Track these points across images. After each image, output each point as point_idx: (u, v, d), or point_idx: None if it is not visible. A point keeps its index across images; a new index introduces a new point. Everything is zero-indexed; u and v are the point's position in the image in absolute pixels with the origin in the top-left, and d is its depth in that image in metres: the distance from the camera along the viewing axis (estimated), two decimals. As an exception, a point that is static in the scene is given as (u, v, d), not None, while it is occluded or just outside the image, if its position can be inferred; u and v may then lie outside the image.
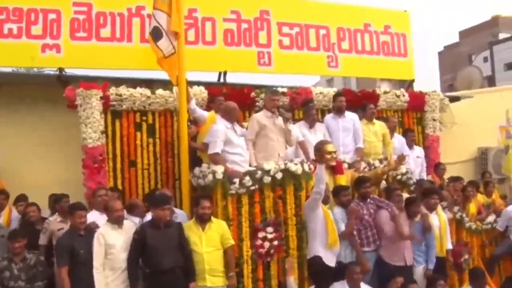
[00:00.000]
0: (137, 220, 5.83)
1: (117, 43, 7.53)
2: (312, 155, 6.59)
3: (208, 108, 6.95)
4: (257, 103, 7.51)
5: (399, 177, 7.16)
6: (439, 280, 6.03)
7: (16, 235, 5.58)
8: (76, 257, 5.18)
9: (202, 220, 5.44)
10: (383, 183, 7.00)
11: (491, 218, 7.86)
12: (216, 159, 5.88)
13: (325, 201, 5.98)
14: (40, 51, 7.21)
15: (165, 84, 6.93)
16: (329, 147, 6.35)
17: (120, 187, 6.82)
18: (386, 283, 6.00)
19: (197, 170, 6.03)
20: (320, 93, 8.08)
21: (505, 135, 9.50)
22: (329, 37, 8.85)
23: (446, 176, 8.47)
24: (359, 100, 8.17)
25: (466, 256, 7.12)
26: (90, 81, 6.90)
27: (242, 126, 6.47)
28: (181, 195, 6.42)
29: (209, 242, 5.40)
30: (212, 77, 8.22)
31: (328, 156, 6.21)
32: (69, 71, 7.48)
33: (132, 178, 6.96)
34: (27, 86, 7.47)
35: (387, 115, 8.50)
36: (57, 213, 6.26)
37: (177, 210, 6.06)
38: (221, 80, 8.12)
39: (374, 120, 7.73)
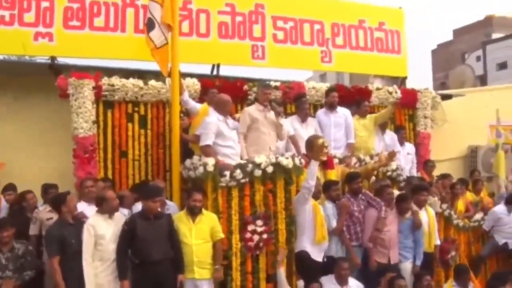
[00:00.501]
0: (125, 211, 5.82)
1: (111, 32, 7.47)
2: (303, 150, 6.62)
3: (201, 100, 6.96)
4: (249, 96, 7.51)
5: (389, 173, 7.19)
6: (425, 276, 6.08)
7: (4, 224, 5.55)
8: (67, 247, 5.16)
9: (193, 212, 5.45)
10: (373, 179, 7.04)
11: (478, 216, 7.95)
12: (207, 151, 5.88)
13: (316, 196, 6.01)
14: (33, 39, 7.14)
15: (158, 75, 6.90)
16: (321, 142, 6.37)
17: (110, 177, 6.80)
18: (372, 278, 6.05)
19: (188, 162, 6.04)
20: (313, 88, 8.10)
21: (495, 134, 9.56)
22: (323, 32, 8.84)
23: (436, 173, 8.53)
24: (351, 96, 8.20)
25: (453, 253, 7.21)
26: (82, 71, 6.88)
27: (234, 118, 6.48)
28: (171, 187, 6.42)
29: (198, 234, 5.41)
30: (205, 70, 8.22)
31: (321, 151, 6.23)
32: (62, 60, 7.42)
33: (123, 168, 6.95)
34: (19, 74, 7.41)
35: (379, 111, 8.52)
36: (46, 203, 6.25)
37: (169, 202, 6.07)
38: (214, 72, 8.11)
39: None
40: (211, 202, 5.75)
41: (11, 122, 7.50)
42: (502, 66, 28.64)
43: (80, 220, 5.40)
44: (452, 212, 7.44)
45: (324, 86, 8.19)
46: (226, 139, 6.02)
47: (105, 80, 6.87)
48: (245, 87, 7.57)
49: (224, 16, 8.17)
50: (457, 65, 21.69)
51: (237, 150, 6.11)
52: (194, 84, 7.28)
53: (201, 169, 5.72)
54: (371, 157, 7.22)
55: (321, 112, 7.61)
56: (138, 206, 5.70)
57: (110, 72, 7.12)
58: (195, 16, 8.00)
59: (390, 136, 8.12)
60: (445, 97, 9.90)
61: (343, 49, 8.96)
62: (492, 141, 9.86)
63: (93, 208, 5.53)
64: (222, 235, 5.54)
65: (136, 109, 7.06)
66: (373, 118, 7.75)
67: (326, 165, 6.51)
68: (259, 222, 5.82)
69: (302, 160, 6.15)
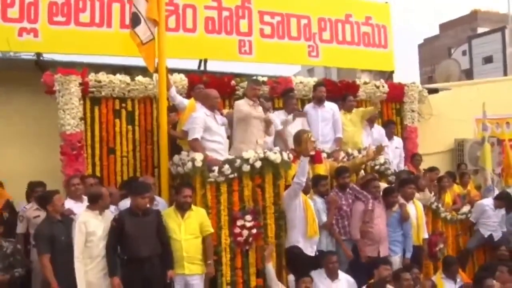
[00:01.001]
0: (112, 208, 5.79)
1: (97, 28, 7.41)
2: (291, 145, 6.62)
3: (188, 96, 6.93)
4: (237, 92, 7.50)
5: (377, 167, 7.23)
6: (413, 268, 6.12)
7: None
8: (57, 244, 5.13)
9: (183, 208, 5.45)
10: (361, 173, 7.07)
11: (466, 208, 8.02)
12: (195, 145, 5.87)
13: (305, 191, 6.03)
14: (17, 35, 7.06)
15: (145, 71, 6.85)
16: (308, 136, 6.38)
17: (98, 174, 6.76)
18: (362, 271, 6.08)
19: (176, 158, 6.02)
20: (300, 82, 8.11)
21: (481, 127, 9.63)
22: (310, 27, 8.84)
23: (423, 166, 8.59)
24: (339, 91, 8.22)
25: (441, 246, 7.28)
26: (68, 67, 6.81)
27: (221, 114, 6.47)
28: (160, 183, 6.40)
29: (188, 229, 5.41)
30: (193, 65, 8.19)
31: (308, 146, 6.23)
32: (47, 56, 7.36)
33: (111, 165, 6.91)
34: (4, 70, 7.33)
35: (366, 105, 8.56)
36: (33, 201, 6.20)
37: (157, 198, 6.04)
38: (201, 68, 8.08)
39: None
40: (200, 198, 5.75)
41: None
42: (488, 60, 28.84)
43: (68, 217, 5.37)
44: (440, 205, 7.51)
45: (311, 81, 8.20)
46: (214, 134, 6.00)
47: (91, 76, 6.82)
48: (233, 82, 7.56)
49: (210, 11, 8.14)
50: (443, 59, 21.77)
51: (225, 145, 6.11)
52: (181, 80, 7.25)
53: (189, 164, 5.71)
54: (359, 151, 7.25)
55: (308, 107, 7.62)
56: (125, 203, 5.68)
57: (96, 68, 7.07)
58: (182, 11, 7.96)
59: (378, 130, 8.15)
60: (432, 91, 9.96)
61: (330, 44, 8.97)
62: (478, 134, 9.94)
63: (80, 206, 5.52)
64: (211, 230, 5.54)
65: (124, 105, 7.03)
66: (360, 112, 7.77)
67: (314, 159, 6.52)
68: (248, 217, 5.83)
69: (290, 155, 6.16)
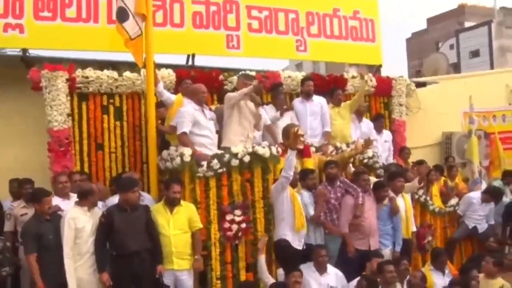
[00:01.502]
0: (100, 204, 5.76)
1: (83, 23, 7.33)
2: (280, 139, 6.63)
3: (176, 91, 6.90)
4: (225, 86, 7.48)
5: (365, 160, 7.25)
6: (403, 260, 6.16)
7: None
8: (45, 243, 5.11)
9: (172, 204, 5.45)
10: (351, 167, 7.09)
11: (454, 201, 8.09)
12: (183, 139, 5.86)
13: (293, 184, 6.04)
14: (2, 31, 6.98)
15: (133, 67, 6.84)
16: (296, 130, 6.38)
17: (86, 170, 6.74)
18: (352, 265, 6.11)
19: (165, 153, 6.01)
20: (289, 77, 8.10)
21: (468, 120, 9.71)
22: (298, 21, 8.82)
23: (412, 160, 8.64)
24: (327, 85, 8.24)
25: (430, 238, 7.34)
26: (55, 63, 6.76)
27: (210, 109, 6.46)
28: (148, 179, 6.38)
29: (177, 225, 5.41)
30: (180, 60, 8.14)
31: (297, 140, 6.24)
32: (33, 52, 7.28)
33: (99, 161, 6.89)
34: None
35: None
36: (21, 199, 6.16)
37: (144, 194, 6.02)
38: (189, 63, 8.05)
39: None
40: (189, 193, 5.75)
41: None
42: (475, 54, 29.04)
43: (56, 215, 5.33)
44: (428, 198, 7.56)
45: (299, 75, 8.20)
46: (202, 128, 5.99)
47: (79, 72, 6.78)
48: (221, 77, 7.54)
49: (198, 6, 8.09)
50: (431, 53, 21.90)
51: (214, 140, 6.10)
52: (169, 75, 7.23)
53: (178, 159, 5.70)
54: (348, 145, 7.27)
55: (297, 101, 7.62)
56: (113, 199, 5.66)
57: (83, 63, 7.03)
58: (169, 6, 7.90)
59: (367, 124, 8.19)
60: (420, 85, 10.01)
61: (318, 38, 8.96)
62: (465, 127, 10.01)
63: (67, 203, 5.50)
64: (200, 225, 5.54)
65: (111, 101, 7.00)
66: (347, 105, 7.79)
67: (303, 153, 6.53)
68: (237, 212, 5.84)
69: (279, 149, 6.17)
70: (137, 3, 6.03)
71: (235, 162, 5.84)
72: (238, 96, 6.15)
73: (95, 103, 6.92)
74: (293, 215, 5.81)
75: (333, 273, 5.91)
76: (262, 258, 5.72)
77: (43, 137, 6.71)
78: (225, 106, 6.24)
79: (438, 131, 10.36)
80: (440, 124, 10.20)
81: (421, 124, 9.68)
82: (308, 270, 5.78)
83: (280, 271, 5.86)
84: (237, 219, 5.82)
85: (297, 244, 5.88)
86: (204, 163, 5.74)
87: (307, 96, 7.54)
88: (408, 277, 6.03)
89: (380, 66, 9.60)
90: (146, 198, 5.93)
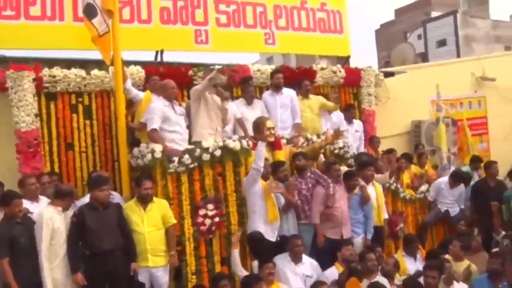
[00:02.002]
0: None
1: (48, 22, 7.21)
2: (250, 132, 6.66)
3: (144, 88, 6.87)
4: (194, 82, 7.46)
5: (336, 151, 7.34)
6: (376, 248, 6.27)
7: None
8: (17, 246, 5.03)
9: (144, 201, 5.44)
10: (321, 158, 7.17)
11: (424, 187, 8.25)
12: (153, 135, 5.85)
13: (265, 177, 6.08)
14: (-36, 31, 6.88)
15: (101, 64, 6.77)
16: (268, 123, 6.43)
17: (57, 171, 6.69)
18: (324, 254, 6.19)
19: (135, 150, 5.98)
20: (258, 70, 8.12)
21: (436, 108, 9.88)
22: (266, 14, 8.84)
23: (381, 148, 8.76)
24: (296, 77, 8.26)
25: (402, 225, 7.48)
26: (21, 63, 6.66)
27: (180, 105, 6.45)
28: (120, 177, 6.35)
29: (150, 222, 5.41)
30: (149, 56, 8.10)
31: (267, 132, 6.29)
32: (-3, 52, 7.19)
33: (70, 161, 6.85)
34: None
35: (324, 91, 8.67)
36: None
37: (114, 193, 6.00)
38: (158, 59, 8.01)
39: (310, 95, 7.86)
40: (161, 189, 5.75)
41: None
42: (441, 43, 29.55)
43: (27, 217, 5.26)
44: (399, 186, 7.70)
45: (269, 68, 8.22)
46: (172, 124, 5.99)
47: (45, 71, 6.71)
48: (190, 72, 7.52)
49: (165, 2, 8.03)
50: (399, 44, 22.15)
51: (184, 136, 6.10)
52: (138, 72, 7.20)
53: (149, 156, 5.69)
54: (318, 136, 7.34)
55: (266, 94, 7.66)
56: (84, 199, 5.63)
57: (50, 63, 6.94)
58: (136, 2, 7.82)
59: (337, 114, 8.24)
60: (388, 75, 10.13)
61: (286, 31, 8.99)
62: (433, 115, 10.18)
63: (36, 206, 5.44)
64: (174, 221, 5.55)
65: (80, 99, 6.94)
66: (318, 101, 7.82)
67: (274, 146, 6.57)
68: (210, 206, 5.86)
69: (250, 142, 6.20)
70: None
71: (206, 157, 5.85)
72: (201, 87, 6.16)
73: (64, 102, 6.86)
74: (266, 208, 5.85)
75: (308, 263, 5.97)
76: (235, 252, 5.75)
77: (11, 139, 6.60)
78: (191, 99, 6.25)
79: (407, 120, 10.49)
80: (408, 113, 10.33)
81: (390, 114, 9.79)
82: (283, 260, 5.83)
83: (255, 264, 5.88)
84: (210, 213, 5.84)
85: (271, 236, 5.92)
86: (175, 158, 5.74)
87: (276, 88, 7.58)
88: (382, 265, 6.13)
89: (349, 57, 9.69)
90: (116, 198, 5.90)
